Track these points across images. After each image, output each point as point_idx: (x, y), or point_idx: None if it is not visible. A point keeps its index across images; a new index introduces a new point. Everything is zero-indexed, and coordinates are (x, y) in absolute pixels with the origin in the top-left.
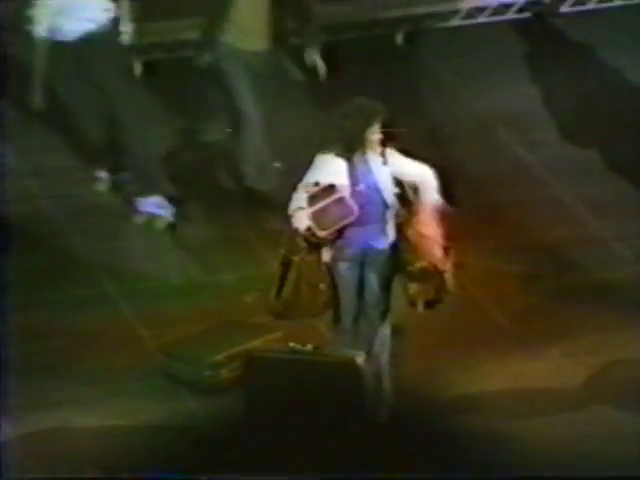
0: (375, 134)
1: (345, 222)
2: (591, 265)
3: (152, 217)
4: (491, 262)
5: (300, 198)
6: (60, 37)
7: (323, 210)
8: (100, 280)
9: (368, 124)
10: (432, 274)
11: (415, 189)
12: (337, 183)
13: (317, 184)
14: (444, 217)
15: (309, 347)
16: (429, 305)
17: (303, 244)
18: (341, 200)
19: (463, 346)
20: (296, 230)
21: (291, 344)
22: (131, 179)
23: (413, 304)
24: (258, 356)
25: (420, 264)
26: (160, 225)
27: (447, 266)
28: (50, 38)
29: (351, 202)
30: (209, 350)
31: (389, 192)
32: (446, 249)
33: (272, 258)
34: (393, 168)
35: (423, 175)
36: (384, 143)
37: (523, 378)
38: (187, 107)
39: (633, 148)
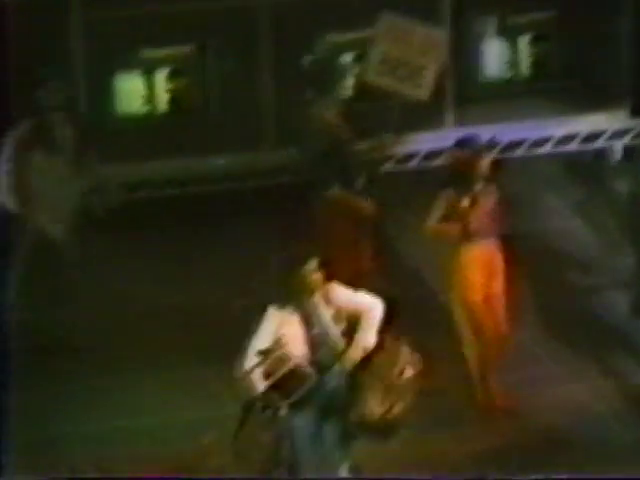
0: (315, 274)
1: (304, 388)
2: None
3: None
4: None
5: (254, 355)
6: None
7: (280, 381)
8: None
9: (302, 264)
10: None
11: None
12: (289, 349)
13: (267, 351)
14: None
15: None
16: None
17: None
18: (295, 368)
19: None
20: (253, 389)
21: None
22: None
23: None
24: None
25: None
26: None
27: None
28: None
29: (305, 366)
30: None
31: (334, 331)
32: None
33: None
34: (336, 303)
35: (366, 308)
36: (326, 281)
37: None
38: None
39: None
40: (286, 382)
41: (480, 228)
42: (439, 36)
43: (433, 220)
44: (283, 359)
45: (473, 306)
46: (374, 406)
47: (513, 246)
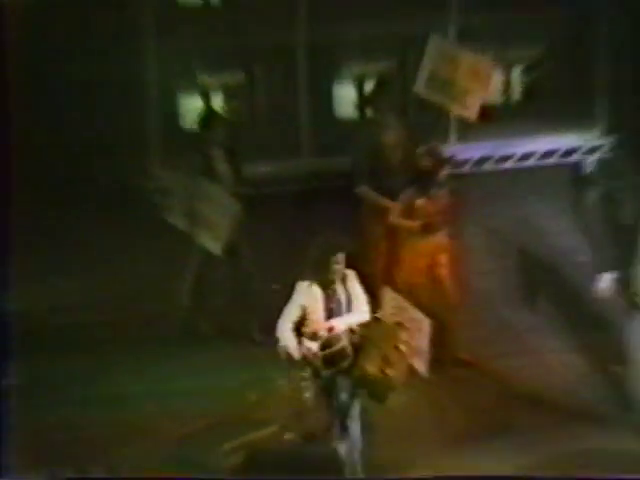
0: (338, 263)
1: (342, 358)
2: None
3: None
4: None
5: (288, 320)
6: None
7: (331, 356)
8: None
9: (332, 253)
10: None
11: None
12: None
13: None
14: None
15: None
16: (379, 399)
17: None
18: (341, 345)
19: (421, 437)
20: (286, 348)
21: (286, 436)
22: None
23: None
24: (257, 448)
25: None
26: None
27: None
28: None
29: (345, 343)
30: (220, 441)
31: (345, 307)
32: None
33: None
34: (348, 289)
35: (359, 307)
36: (346, 270)
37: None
38: None
39: None
40: (333, 357)
41: (431, 224)
42: (486, 65)
43: (395, 215)
44: (337, 339)
45: (417, 287)
46: (371, 367)
47: (462, 240)
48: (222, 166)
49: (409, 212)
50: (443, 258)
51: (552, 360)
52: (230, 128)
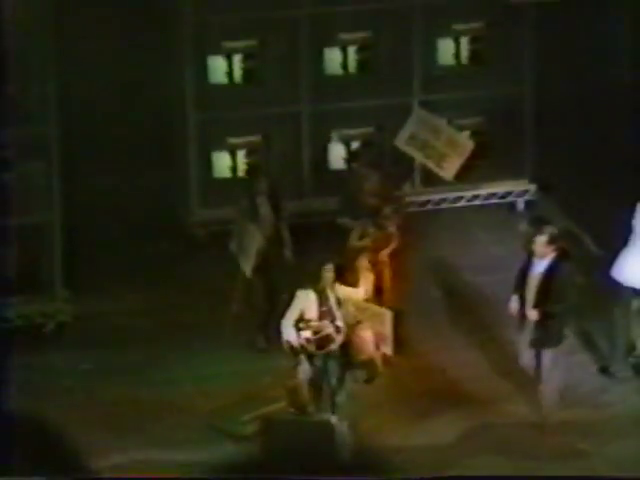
0: (328, 272)
1: (331, 345)
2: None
3: None
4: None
5: (289, 319)
6: None
7: (320, 340)
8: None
9: (324, 265)
10: (368, 363)
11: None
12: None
13: (302, 315)
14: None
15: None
16: (368, 381)
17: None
18: (328, 333)
19: (399, 409)
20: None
21: (290, 410)
22: None
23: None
24: (269, 418)
25: (360, 357)
26: None
27: (377, 356)
28: None
29: (333, 333)
30: (241, 413)
31: (335, 308)
32: (377, 345)
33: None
34: (338, 294)
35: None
36: (336, 279)
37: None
38: None
39: None
40: (322, 341)
41: (377, 246)
42: (465, 140)
43: (352, 238)
44: (324, 327)
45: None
46: (356, 355)
47: (404, 259)
48: (265, 210)
49: (363, 236)
50: (386, 272)
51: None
52: (269, 177)
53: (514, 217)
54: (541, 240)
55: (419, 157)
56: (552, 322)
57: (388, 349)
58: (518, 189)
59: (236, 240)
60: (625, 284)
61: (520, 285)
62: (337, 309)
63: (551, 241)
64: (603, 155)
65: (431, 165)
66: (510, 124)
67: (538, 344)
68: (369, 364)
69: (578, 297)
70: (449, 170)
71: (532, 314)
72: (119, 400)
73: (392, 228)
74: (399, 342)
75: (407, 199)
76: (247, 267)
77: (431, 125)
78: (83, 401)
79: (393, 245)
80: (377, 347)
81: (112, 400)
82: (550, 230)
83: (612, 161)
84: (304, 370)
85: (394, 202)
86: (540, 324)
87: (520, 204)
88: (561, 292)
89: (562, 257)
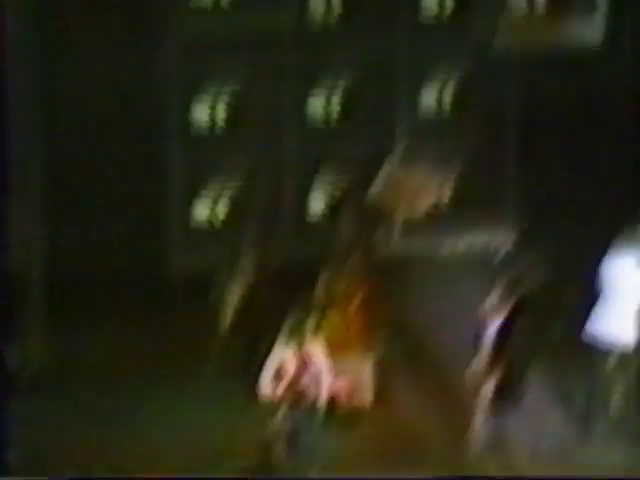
0: (307, 325)
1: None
2: None
3: None
4: None
5: (268, 371)
6: None
7: (296, 395)
8: None
9: (301, 318)
10: (346, 416)
11: None
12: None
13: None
14: None
15: None
16: (346, 435)
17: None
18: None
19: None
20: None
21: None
22: None
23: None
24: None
25: (338, 411)
26: None
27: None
28: None
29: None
30: (212, 468)
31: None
32: (355, 396)
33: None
34: (316, 348)
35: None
36: (314, 332)
37: None
38: None
39: None
40: (297, 396)
41: (344, 295)
42: (434, 182)
43: (320, 290)
44: (298, 383)
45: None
46: (334, 409)
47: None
48: (246, 262)
49: (329, 286)
50: (359, 322)
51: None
52: (252, 230)
53: (493, 267)
54: (493, 298)
55: (391, 205)
56: (508, 385)
57: (366, 399)
58: (498, 239)
59: (218, 293)
60: (600, 339)
61: (477, 347)
62: (316, 363)
63: (504, 297)
64: (587, 204)
65: (404, 207)
66: (491, 174)
67: (496, 410)
68: (348, 418)
69: (538, 352)
70: (419, 210)
71: (486, 390)
72: (93, 446)
73: (361, 275)
74: (376, 393)
75: (386, 249)
76: (225, 322)
77: (402, 172)
78: (54, 446)
79: (362, 294)
80: (355, 398)
81: (84, 446)
82: (504, 286)
83: (596, 211)
84: (280, 424)
85: (364, 251)
86: (496, 393)
87: (500, 254)
88: (517, 351)
89: (517, 313)
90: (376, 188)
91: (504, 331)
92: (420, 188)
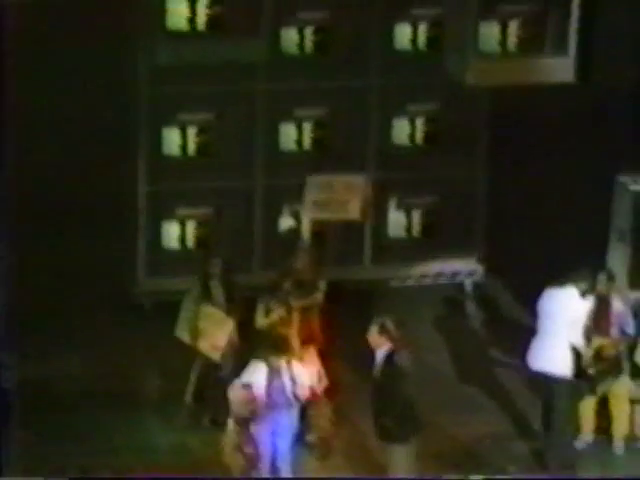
0: (282, 352)
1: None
2: None
3: None
4: None
5: (237, 389)
6: None
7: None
8: None
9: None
10: (321, 441)
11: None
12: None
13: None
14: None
15: None
16: (320, 459)
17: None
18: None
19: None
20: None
21: None
22: None
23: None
24: None
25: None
26: None
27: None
28: None
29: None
30: None
31: (290, 389)
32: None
33: None
34: (291, 373)
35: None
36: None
37: None
38: None
39: None
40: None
41: (305, 315)
42: (357, 179)
43: (259, 318)
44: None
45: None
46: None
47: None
48: (218, 292)
49: (267, 313)
50: (317, 342)
51: None
52: (222, 260)
53: (462, 297)
54: (372, 331)
55: (327, 216)
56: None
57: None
58: (467, 269)
59: (188, 325)
60: (543, 371)
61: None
62: (290, 386)
63: (382, 331)
64: (555, 237)
65: (340, 216)
66: (462, 205)
67: (386, 437)
68: (322, 442)
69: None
70: (354, 211)
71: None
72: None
73: (318, 299)
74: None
75: (356, 276)
76: (215, 353)
77: (324, 183)
78: (20, 469)
79: (316, 323)
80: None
81: (51, 469)
82: (381, 320)
83: (564, 243)
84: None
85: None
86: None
87: (468, 284)
88: (393, 386)
89: (397, 348)
90: (306, 208)
91: (383, 366)
92: (349, 191)
